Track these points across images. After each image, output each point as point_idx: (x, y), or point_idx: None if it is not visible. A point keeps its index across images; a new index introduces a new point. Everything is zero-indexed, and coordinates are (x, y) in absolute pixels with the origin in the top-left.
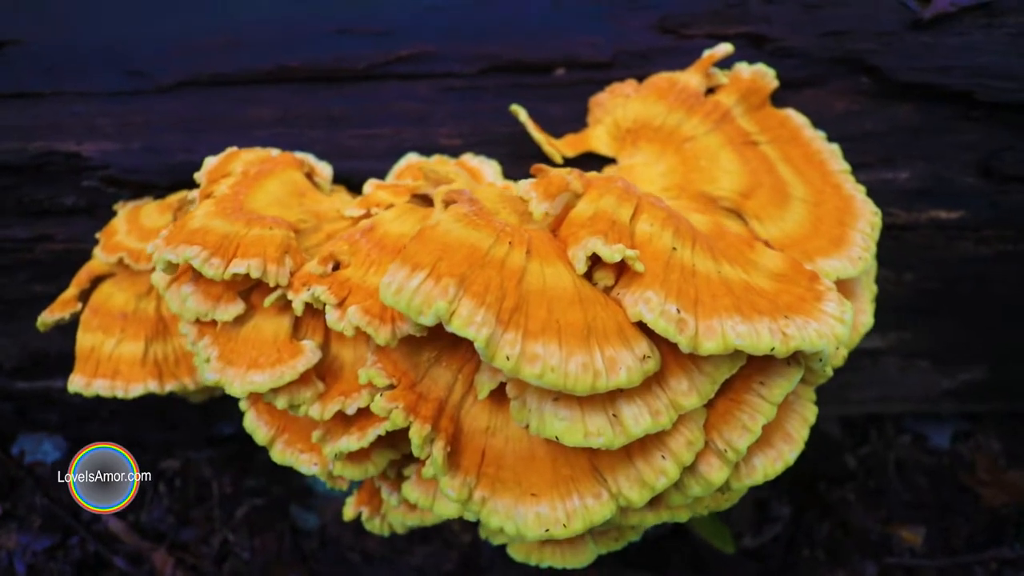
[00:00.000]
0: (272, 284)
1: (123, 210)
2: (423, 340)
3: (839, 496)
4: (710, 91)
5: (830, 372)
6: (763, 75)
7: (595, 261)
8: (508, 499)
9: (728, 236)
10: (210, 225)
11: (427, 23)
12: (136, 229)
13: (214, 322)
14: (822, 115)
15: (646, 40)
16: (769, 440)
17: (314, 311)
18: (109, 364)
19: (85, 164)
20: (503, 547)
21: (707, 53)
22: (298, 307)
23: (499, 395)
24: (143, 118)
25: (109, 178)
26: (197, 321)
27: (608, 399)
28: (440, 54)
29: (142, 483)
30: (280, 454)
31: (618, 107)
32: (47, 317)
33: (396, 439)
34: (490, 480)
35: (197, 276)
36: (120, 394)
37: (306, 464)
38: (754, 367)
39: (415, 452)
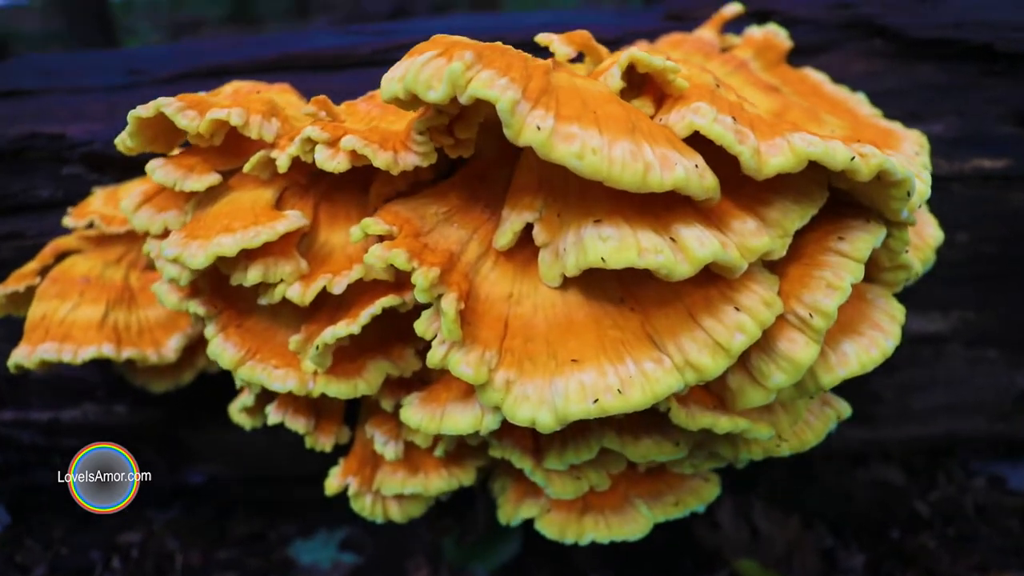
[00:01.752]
0: (255, 136)
1: (101, 190)
2: (429, 197)
3: (917, 544)
4: (723, 52)
5: (915, 266)
6: (775, 34)
7: (630, 82)
8: (540, 378)
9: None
10: (192, 96)
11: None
12: (112, 200)
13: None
14: (840, 78)
15: (652, 23)
16: (856, 328)
17: (302, 187)
18: (60, 329)
19: (68, 144)
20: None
21: (717, 13)
22: (283, 163)
23: (523, 256)
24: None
25: (92, 157)
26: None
27: (662, 223)
28: None
29: (91, 559)
30: (249, 370)
31: None
32: None
33: (393, 351)
34: (516, 357)
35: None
36: (68, 358)
37: (279, 380)
38: (827, 227)
39: (421, 297)
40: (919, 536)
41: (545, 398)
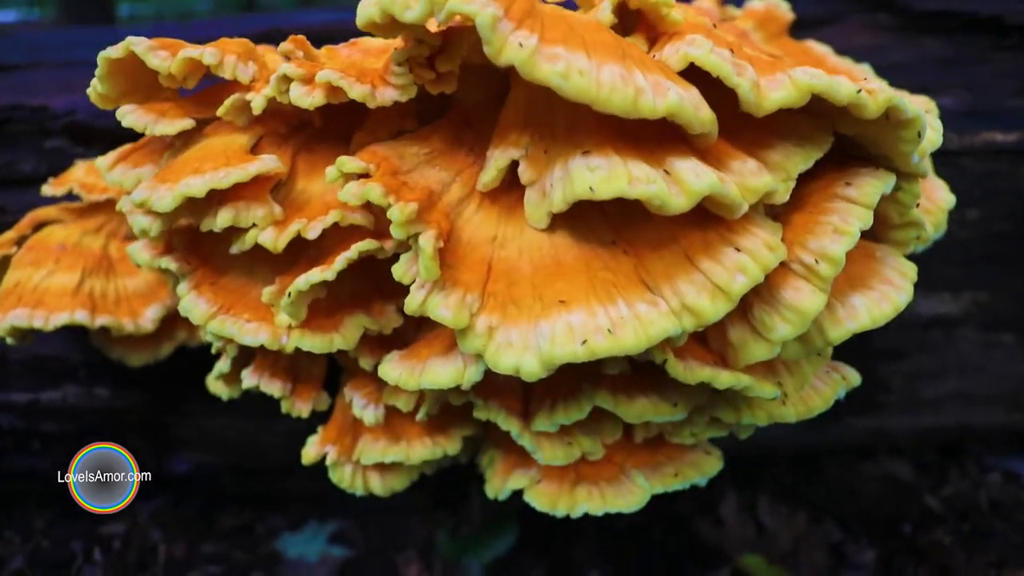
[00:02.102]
0: (229, 76)
1: (84, 162)
2: (410, 139)
3: (930, 540)
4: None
5: (927, 226)
6: (777, 6)
7: (622, 19)
8: (525, 322)
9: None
10: (165, 38)
11: None
12: (94, 171)
13: None
14: (844, 51)
15: None
16: (865, 283)
17: (281, 136)
18: (33, 295)
19: (52, 115)
20: None
21: None
22: (258, 103)
23: (509, 200)
24: None
25: (76, 128)
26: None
27: (655, 157)
28: None
29: (71, 551)
30: (219, 324)
31: None
32: None
33: (373, 307)
34: (499, 301)
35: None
36: (39, 324)
37: (251, 333)
38: (832, 175)
39: (397, 232)
40: (932, 532)
41: (530, 343)
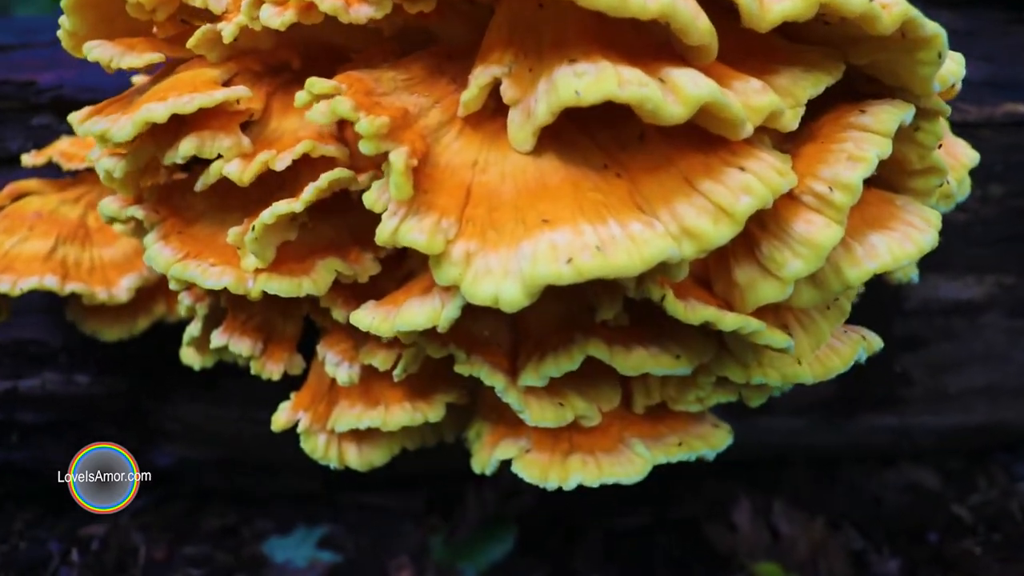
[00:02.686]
0: (199, 4)
1: (68, 136)
2: (389, 67)
3: (960, 550)
4: None
5: (950, 178)
6: None
7: None
8: (506, 247)
9: None
10: None
11: None
12: (77, 143)
13: None
14: None
15: None
16: (885, 224)
17: (256, 74)
18: (3, 261)
19: (38, 91)
20: None
21: None
22: (229, 32)
23: (492, 127)
24: None
25: (62, 103)
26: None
27: (649, 67)
28: None
29: (48, 552)
30: (182, 268)
31: None
32: None
33: (349, 253)
34: (478, 227)
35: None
36: (5, 288)
37: (215, 276)
38: (845, 107)
39: (366, 147)
40: (961, 541)
41: (511, 267)
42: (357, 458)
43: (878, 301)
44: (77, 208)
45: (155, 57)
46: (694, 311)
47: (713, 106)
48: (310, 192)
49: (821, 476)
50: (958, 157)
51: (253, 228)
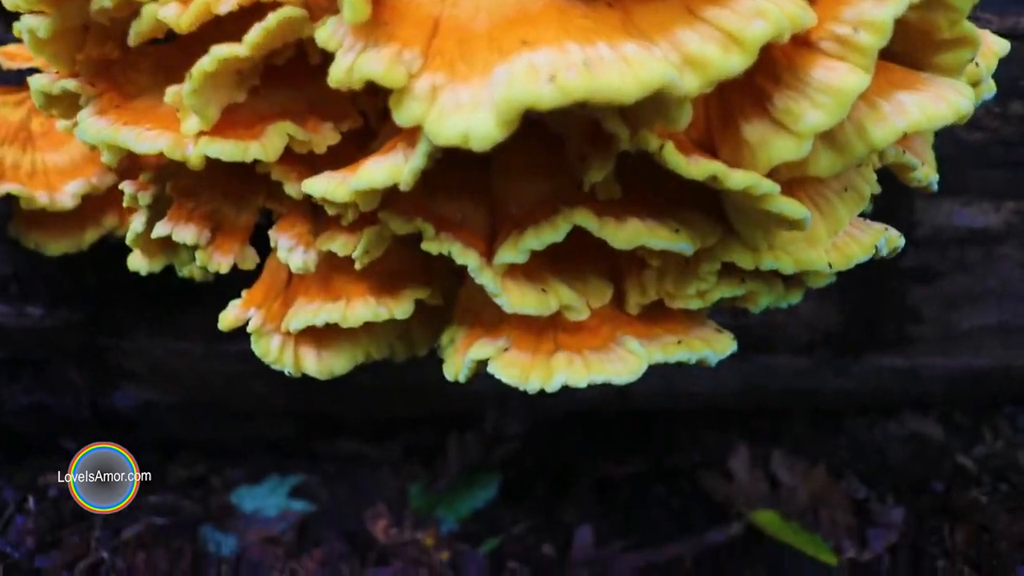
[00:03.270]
0: None
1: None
2: None
3: (967, 499)
4: None
5: (981, 62)
6: None
7: None
8: (478, 78)
9: None
10: None
11: None
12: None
13: None
14: None
15: None
16: (914, 86)
17: None
18: None
19: None
20: None
21: None
22: None
23: None
24: None
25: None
26: None
27: None
28: None
29: (3, 500)
30: (112, 132)
31: None
32: None
33: (307, 121)
34: (447, 60)
35: None
36: None
37: (149, 140)
38: None
39: None
40: (967, 491)
41: (482, 99)
42: (315, 363)
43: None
44: (19, 111)
45: None
46: (697, 164)
47: None
48: (257, 33)
49: (822, 428)
50: (988, 44)
51: (191, 77)
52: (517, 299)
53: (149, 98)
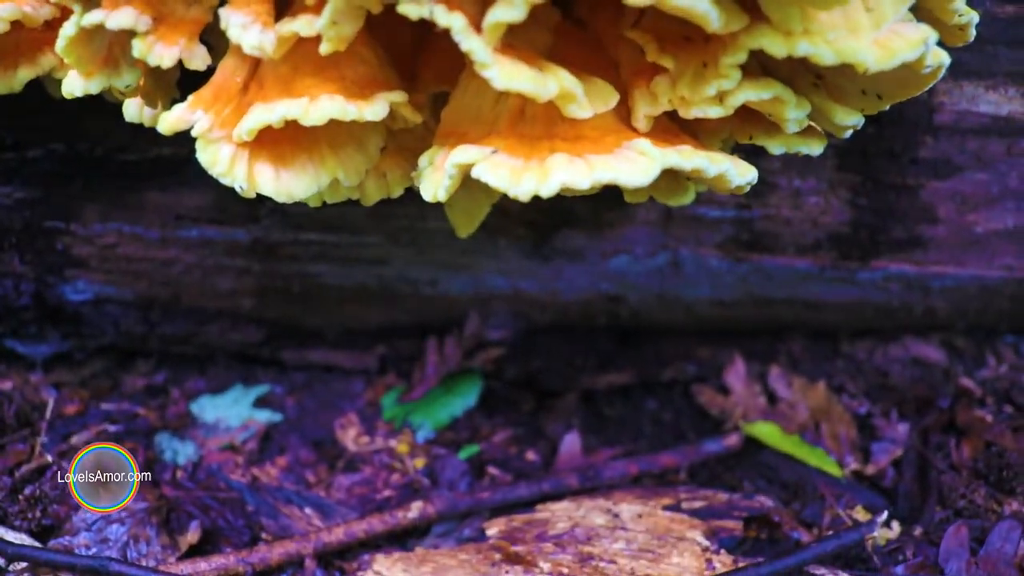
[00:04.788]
0: None
1: None
2: None
3: (972, 417)
4: None
5: None
6: None
7: None
8: None
9: None
10: None
11: None
12: None
13: None
14: None
15: None
16: None
17: None
18: None
19: None
20: None
21: None
22: None
23: None
24: None
25: None
26: None
27: None
28: None
29: None
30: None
31: None
32: None
33: None
34: None
35: None
36: None
37: None
38: None
39: None
40: (972, 410)
41: None
42: (273, 182)
43: (905, 117)
44: None
45: None
46: None
47: None
48: None
49: (820, 350)
50: None
51: None
52: (509, 72)
53: None
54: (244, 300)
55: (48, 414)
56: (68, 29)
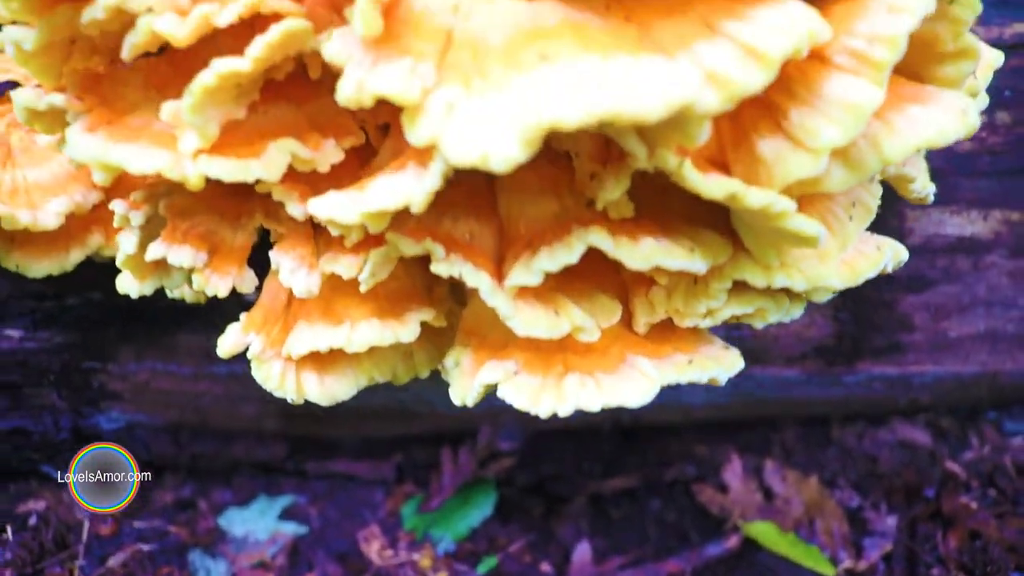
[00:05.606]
0: None
1: None
2: None
3: (958, 505)
4: None
5: (980, 64)
6: None
7: None
8: (495, 92)
9: None
10: None
11: None
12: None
13: None
14: None
15: None
16: (923, 100)
17: None
18: None
19: None
20: None
21: None
22: None
23: None
24: None
25: None
26: None
27: None
28: None
29: None
30: (103, 149)
31: None
32: None
33: (309, 139)
34: (462, 73)
35: None
36: None
37: (147, 157)
38: None
39: None
40: (957, 497)
41: (502, 115)
42: (318, 389)
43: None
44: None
45: None
46: (716, 183)
47: None
48: (259, 47)
49: (813, 436)
50: (983, 56)
51: (191, 93)
52: (528, 319)
53: (141, 114)
54: (268, 421)
55: (84, 536)
56: (128, 247)
